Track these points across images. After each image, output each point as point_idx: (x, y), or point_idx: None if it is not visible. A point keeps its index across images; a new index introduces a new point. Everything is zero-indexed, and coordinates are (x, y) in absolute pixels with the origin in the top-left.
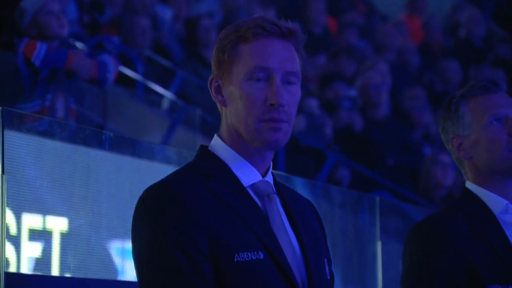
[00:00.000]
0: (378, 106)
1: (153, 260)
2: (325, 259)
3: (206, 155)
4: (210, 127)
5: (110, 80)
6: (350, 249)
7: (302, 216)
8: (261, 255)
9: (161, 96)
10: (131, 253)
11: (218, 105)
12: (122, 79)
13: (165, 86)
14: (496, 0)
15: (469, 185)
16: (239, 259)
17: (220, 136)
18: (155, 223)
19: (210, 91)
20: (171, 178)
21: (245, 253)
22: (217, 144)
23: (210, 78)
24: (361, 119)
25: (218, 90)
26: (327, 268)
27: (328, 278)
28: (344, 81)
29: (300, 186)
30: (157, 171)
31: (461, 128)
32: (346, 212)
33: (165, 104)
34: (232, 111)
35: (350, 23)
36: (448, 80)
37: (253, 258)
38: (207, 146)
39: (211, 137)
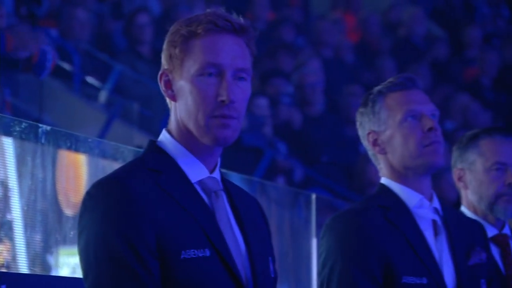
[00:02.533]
0: (313, 103)
1: (100, 256)
2: (270, 258)
3: (154, 150)
4: (147, 121)
5: (47, 70)
6: (286, 245)
7: (248, 214)
8: (207, 253)
9: (98, 89)
10: (65, 248)
11: (168, 100)
12: (59, 72)
13: (103, 80)
14: None
15: (384, 180)
16: (185, 256)
17: (168, 131)
18: (102, 218)
19: (160, 85)
20: (119, 173)
21: (191, 250)
22: (165, 139)
23: (160, 72)
24: (299, 115)
25: (168, 85)
26: (271, 266)
27: (273, 276)
28: (283, 78)
29: (236, 182)
30: (94, 165)
31: (377, 124)
32: (282, 208)
33: (102, 98)
34: (182, 106)
35: (287, 19)
36: (384, 79)
37: (199, 255)
38: (156, 141)
39: (148, 131)
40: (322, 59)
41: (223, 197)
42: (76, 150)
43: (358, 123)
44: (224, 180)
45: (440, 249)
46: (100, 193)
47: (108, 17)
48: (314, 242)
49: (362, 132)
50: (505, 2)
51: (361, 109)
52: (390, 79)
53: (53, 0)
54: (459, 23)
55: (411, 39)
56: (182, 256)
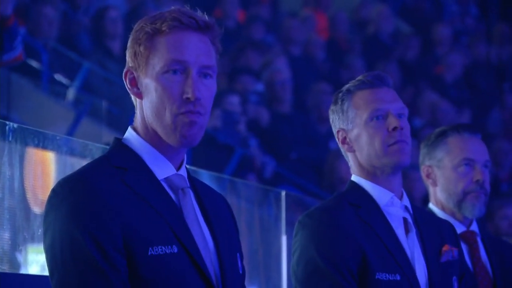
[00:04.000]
0: (282, 101)
1: (66, 254)
2: (238, 254)
3: (119, 147)
4: (115, 119)
5: (12, 56)
6: (256, 242)
7: (216, 211)
8: (175, 249)
9: (66, 87)
10: (33, 246)
11: (133, 98)
12: (27, 69)
13: (71, 78)
14: None
15: (354, 178)
16: (152, 252)
17: (134, 129)
18: (68, 215)
19: (125, 83)
20: (85, 170)
21: (159, 247)
22: (131, 136)
23: (125, 70)
24: (268, 113)
25: (133, 82)
26: (239, 262)
27: (240, 272)
28: (252, 75)
29: (207, 180)
30: (62, 163)
31: (345, 122)
32: (252, 206)
33: (70, 96)
34: (147, 104)
35: (257, 17)
36: (353, 76)
37: (166, 252)
38: (121, 139)
39: (117, 129)
40: (291, 56)
41: (190, 194)
42: (44, 147)
43: (330, 121)
44: (190, 177)
45: (412, 247)
46: (65, 190)
47: (76, 15)
48: (284, 239)
49: (334, 130)
50: (473, 0)
51: (332, 107)
52: (359, 77)
53: None
54: (427, 20)
55: (379, 37)
56: (149, 253)
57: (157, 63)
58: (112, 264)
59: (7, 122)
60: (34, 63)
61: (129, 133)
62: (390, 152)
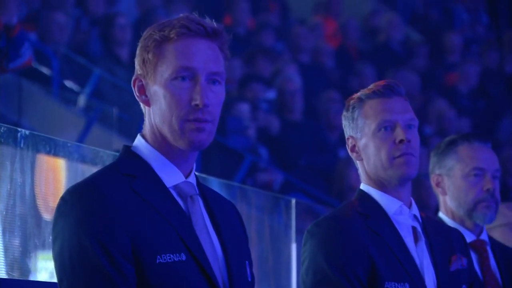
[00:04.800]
0: (294, 108)
1: (74, 261)
2: (247, 262)
3: (129, 155)
4: (126, 126)
5: (19, 63)
6: (266, 250)
7: (225, 218)
8: (183, 257)
9: (77, 94)
10: (44, 252)
11: (142, 105)
12: (37, 75)
13: (81, 84)
14: (412, 5)
15: (363, 186)
16: (161, 260)
17: (143, 136)
18: (77, 223)
19: (134, 91)
20: (94, 178)
21: (167, 255)
22: (140, 144)
23: (134, 78)
24: (278, 121)
25: (142, 90)
26: (248, 270)
27: (249, 280)
28: (262, 83)
29: (216, 187)
30: (73, 170)
31: (355, 130)
32: (262, 213)
33: (81, 102)
34: (156, 111)
35: (267, 24)
36: (363, 84)
37: (175, 259)
38: (130, 146)
39: (127, 136)
40: (301, 64)
41: (199, 201)
42: (55, 154)
43: (343, 126)
44: (200, 185)
45: (421, 255)
46: (74, 198)
47: (86, 22)
48: (293, 247)
49: (345, 135)
50: (484, 8)
51: (344, 113)
52: (371, 86)
53: (32, 4)
54: (437, 29)
55: (389, 45)
56: (158, 261)
57: (166, 70)
58: (120, 271)
59: (19, 129)
60: (45, 70)
61: (138, 141)
62: (396, 164)
